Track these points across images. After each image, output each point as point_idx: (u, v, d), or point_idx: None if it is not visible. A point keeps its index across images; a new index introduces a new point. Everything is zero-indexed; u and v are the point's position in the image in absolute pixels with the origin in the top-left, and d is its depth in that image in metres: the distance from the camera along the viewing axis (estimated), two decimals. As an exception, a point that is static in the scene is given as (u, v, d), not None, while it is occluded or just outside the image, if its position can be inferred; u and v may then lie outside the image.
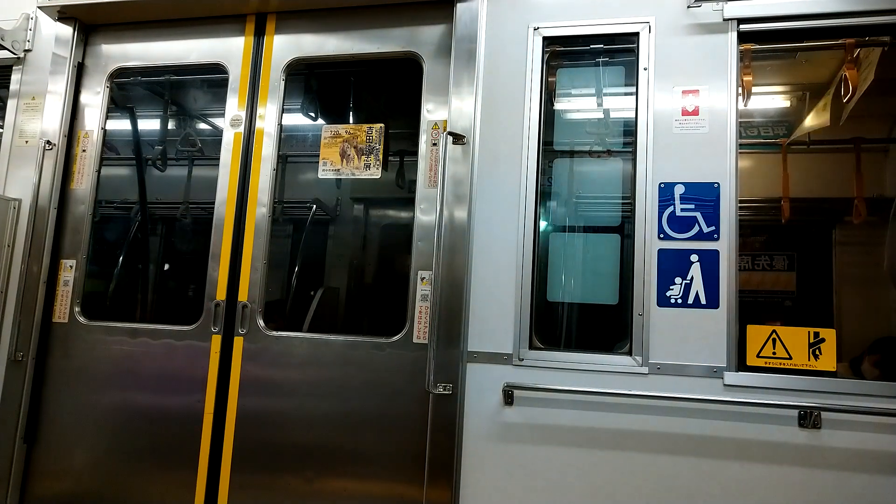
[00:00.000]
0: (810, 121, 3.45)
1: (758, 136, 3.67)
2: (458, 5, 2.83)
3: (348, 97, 3.78)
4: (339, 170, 3.01)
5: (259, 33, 3.15)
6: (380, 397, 2.75)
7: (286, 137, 3.28)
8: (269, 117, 3.07)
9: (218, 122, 3.46)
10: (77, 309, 3.13)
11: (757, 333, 2.44)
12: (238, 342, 2.93)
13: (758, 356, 2.43)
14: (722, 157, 2.52)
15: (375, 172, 2.97)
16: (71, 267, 3.16)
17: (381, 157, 2.97)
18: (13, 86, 3.33)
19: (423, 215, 2.82)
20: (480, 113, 2.77)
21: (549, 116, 2.86)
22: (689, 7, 2.62)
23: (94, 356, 3.08)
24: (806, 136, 3.55)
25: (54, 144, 3.17)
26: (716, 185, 2.51)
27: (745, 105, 2.84)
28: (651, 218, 2.55)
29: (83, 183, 3.22)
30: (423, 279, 2.76)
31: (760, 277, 3.73)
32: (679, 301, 2.48)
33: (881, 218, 2.95)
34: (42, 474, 3.08)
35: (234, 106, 3.11)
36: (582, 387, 2.50)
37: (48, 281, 3.13)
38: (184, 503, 2.89)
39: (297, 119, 3.68)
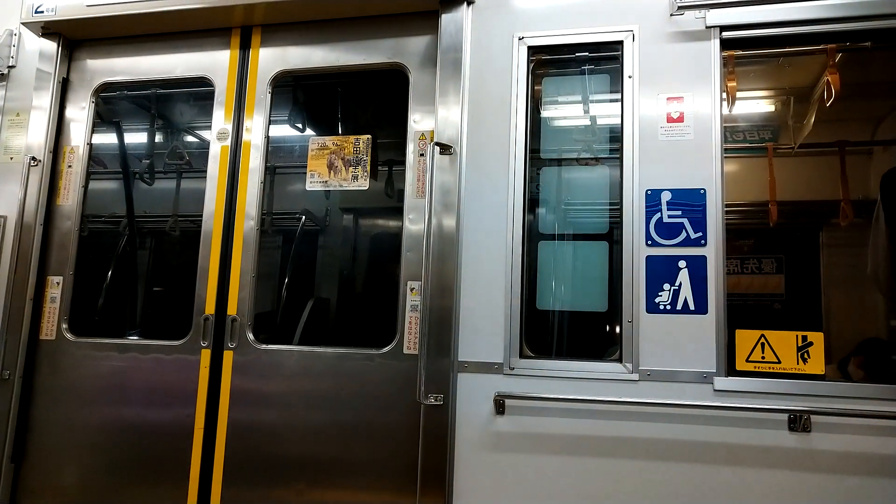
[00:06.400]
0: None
1: (743, 141, 3.69)
2: (443, 16, 2.84)
3: (335, 109, 3.78)
4: (326, 181, 3.00)
5: (245, 46, 3.15)
6: (371, 408, 2.74)
7: (273, 149, 3.27)
8: (255, 130, 3.07)
9: (205, 135, 3.45)
10: (64, 326, 3.11)
11: (746, 338, 2.45)
12: (228, 356, 2.91)
13: (747, 361, 2.44)
14: (707, 163, 2.54)
15: (363, 183, 2.97)
16: (58, 283, 3.14)
17: (368, 168, 2.98)
18: (-3, 102, 3.32)
19: (412, 225, 2.82)
20: (467, 122, 2.78)
21: (535, 125, 2.87)
22: (672, 15, 2.64)
23: (83, 373, 3.05)
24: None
25: (39, 160, 3.16)
26: (702, 191, 2.52)
27: (730, 111, 2.86)
28: (638, 225, 2.56)
29: (69, 198, 3.20)
30: (412, 289, 2.76)
31: (749, 281, 3.75)
32: (668, 307, 2.48)
33: (867, 220, 2.97)
34: (30, 493, 3.04)
35: (221, 119, 3.11)
36: (573, 395, 2.50)
37: (35, 298, 3.11)
38: (175, 519, 2.87)
39: (284, 131, 3.67)
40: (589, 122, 3.02)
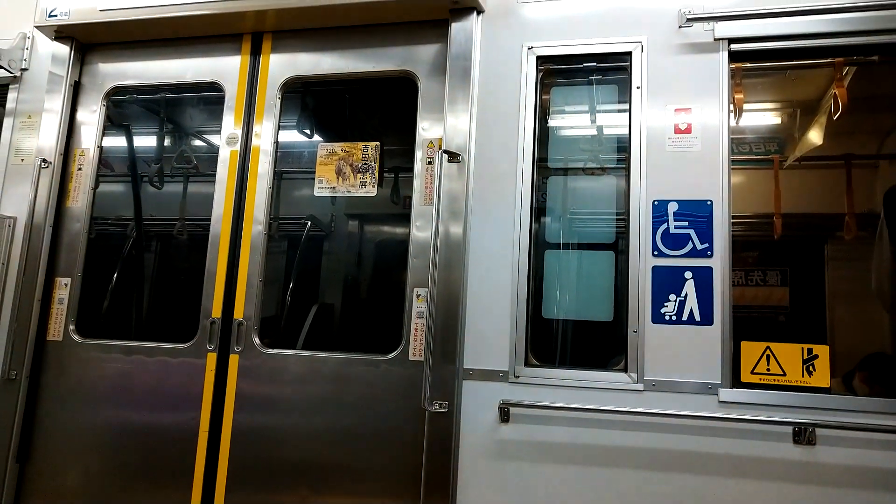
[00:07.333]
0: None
1: (749, 153, 3.70)
2: (453, 25, 2.86)
3: (344, 115, 3.80)
4: (334, 187, 3.02)
5: (255, 52, 3.17)
6: (375, 415, 2.74)
7: (282, 154, 3.29)
8: (265, 135, 3.09)
9: (214, 139, 3.47)
10: (72, 327, 3.12)
11: (751, 350, 2.45)
12: (233, 360, 2.92)
13: (752, 372, 2.44)
14: (714, 175, 2.55)
15: (371, 190, 2.99)
16: (66, 285, 3.15)
17: (376, 174, 2.99)
18: (9, 104, 3.35)
19: (419, 232, 2.83)
20: (475, 131, 2.79)
21: (543, 134, 2.89)
22: (680, 27, 2.66)
23: (89, 374, 3.07)
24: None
25: (50, 162, 3.18)
26: (709, 203, 2.53)
27: (737, 122, 2.87)
28: (645, 235, 2.56)
29: (79, 201, 3.22)
30: (418, 296, 2.77)
31: (754, 293, 3.75)
32: (673, 318, 2.49)
33: (872, 233, 2.97)
34: (35, 494, 3.05)
35: (231, 124, 3.13)
36: (577, 404, 2.50)
37: (43, 299, 3.13)
38: (178, 522, 2.87)
39: (293, 136, 3.69)
40: (596, 132, 3.03)
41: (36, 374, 3.11)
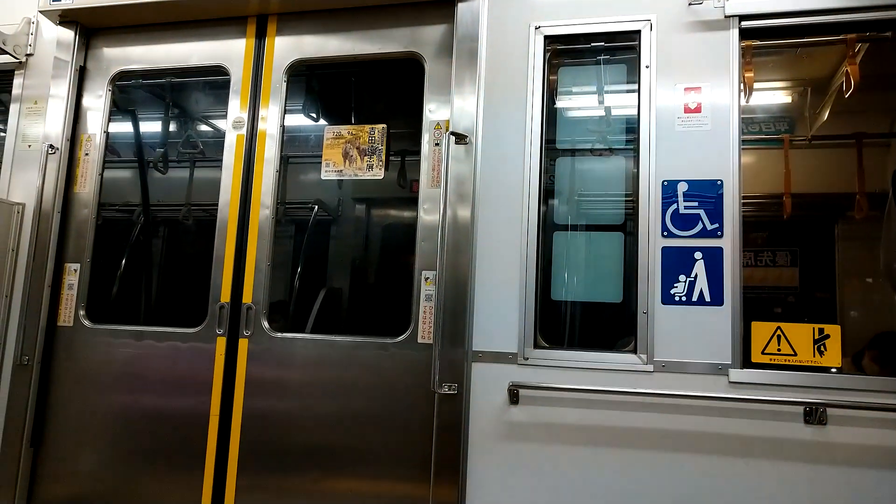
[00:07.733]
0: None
1: (759, 133, 3.66)
2: (460, 5, 2.83)
3: (350, 98, 3.78)
4: (341, 171, 3.01)
5: (260, 35, 3.15)
6: (385, 397, 2.76)
7: (288, 138, 3.28)
8: (271, 119, 3.08)
9: (220, 123, 3.47)
10: (82, 312, 3.14)
11: (762, 330, 2.44)
12: (243, 344, 2.94)
13: (763, 353, 2.43)
14: (725, 155, 2.53)
15: (378, 173, 2.98)
16: (75, 271, 3.16)
17: (383, 157, 2.98)
18: (15, 90, 3.34)
19: (427, 215, 2.83)
20: (483, 112, 2.77)
21: (551, 115, 2.86)
22: (690, 4, 2.62)
23: (100, 359, 3.09)
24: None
25: (57, 148, 3.18)
26: (719, 183, 2.51)
27: (747, 101, 2.84)
28: (654, 216, 2.55)
29: (86, 186, 3.23)
30: (427, 279, 2.77)
31: (764, 273, 3.73)
32: (683, 299, 2.48)
33: (883, 213, 2.95)
34: (48, 478, 3.09)
35: (237, 108, 3.12)
36: (587, 385, 2.50)
37: (52, 285, 3.14)
38: (191, 505, 2.90)
39: (299, 120, 3.68)
40: (605, 113, 3.00)
41: (47, 359, 3.13)
